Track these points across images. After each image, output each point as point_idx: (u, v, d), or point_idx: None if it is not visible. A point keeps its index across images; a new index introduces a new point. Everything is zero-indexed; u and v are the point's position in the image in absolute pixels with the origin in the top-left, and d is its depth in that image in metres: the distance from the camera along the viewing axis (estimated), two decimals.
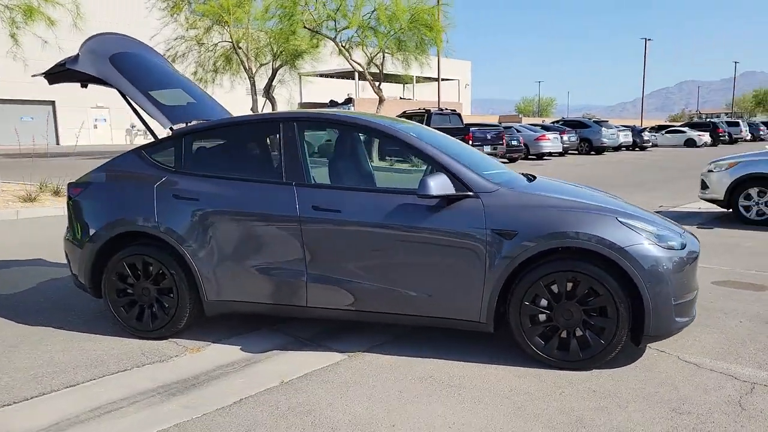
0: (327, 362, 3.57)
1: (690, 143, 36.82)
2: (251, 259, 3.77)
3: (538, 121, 42.06)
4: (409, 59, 22.98)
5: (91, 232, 4.05)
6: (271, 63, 24.27)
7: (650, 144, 33.97)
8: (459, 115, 20.96)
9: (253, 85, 24.00)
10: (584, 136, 27.65)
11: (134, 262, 3.97)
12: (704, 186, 8.96)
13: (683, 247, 3.40)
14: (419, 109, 21.52)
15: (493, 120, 49.56)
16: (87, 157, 21.49)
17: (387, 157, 6.29)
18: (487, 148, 19.31)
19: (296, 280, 3.72)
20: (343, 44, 22.49)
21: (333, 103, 32.00)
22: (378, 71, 23.77)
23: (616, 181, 14.82)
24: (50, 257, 6.45)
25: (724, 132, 39.65)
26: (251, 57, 23.85)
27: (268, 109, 25.27)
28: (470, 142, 18.58)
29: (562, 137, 25.16)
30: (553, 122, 31.32)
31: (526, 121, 41.87)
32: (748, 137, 43.49)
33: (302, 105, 34.77)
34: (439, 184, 3.37)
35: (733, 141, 40.63)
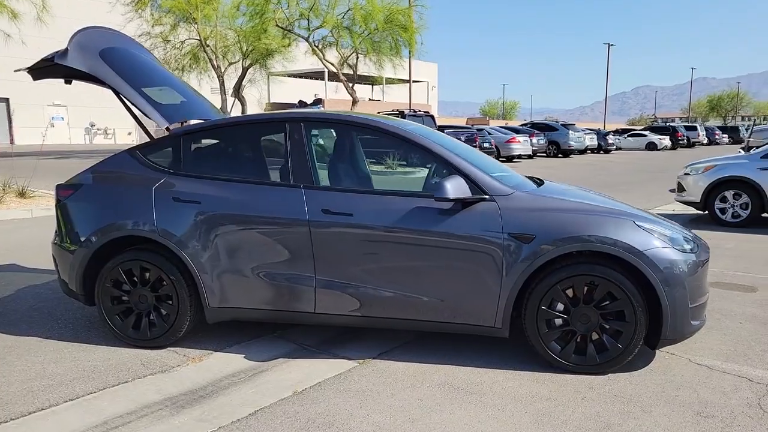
0: (338, 370, 3.47)
1: (651, 146, 37.91)
2: (257, 264, 3.64)
3: (502, 123, 42.61)
4: (383, 60, 22.91)
5: (84, 236, 3.84)
6: (241, 62, 23.84)
7: (614, 147, 34.81)
8: (432, 116, 21.00)
9: (222, 84, 23.53)
10: (552, 139, 28.11)
11: (131, 268, 3.78)
12: (681, 189, 9.18)
13: (696, 250, 3.43)
14: (392, 110, 21.48)
15: (461, 122, 49.94)
16: (48, 157, 20.67)
17: (384, 160, 6.21)
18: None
19: (304, 286, 3.60)
20: (316, 44, 22.27)
21: (302, 104, 31.64)
22: (351, 72, 23.62)
23: (589, 184, 15.09)
24: (24, 262, 6.13)
25: (683, 136, 40.95)
26: (219, 55, 23.39)
27: (237, 110, 24.83)
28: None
29: (531, 140, 25.52)
30: (521, 125, 31.76)
31: (491, 123, 42.36)
32: (705, 141, 45.08)
33: (270, 105, 34.29)
34: (456, 187, 3.31)
35: (691, 144, 42.01)
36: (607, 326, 3.31)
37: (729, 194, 8.53)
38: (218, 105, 24.38)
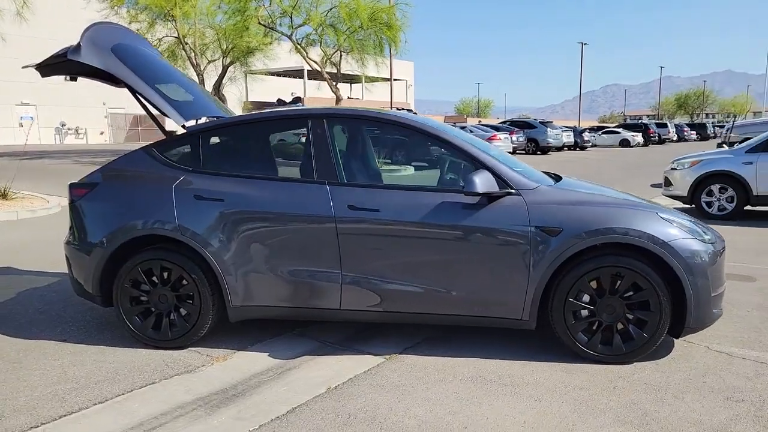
0: (366, 366, 3.47)
1: (624, 143, 38.66)
2: (282, 261, 3.61)
3: (475, 121, 42.89)
4: (365, 59, 22.87)
5: (101, 236, 3.76)
6: (221, 60, 23.53)
7: (590, 144, 35.40)
8: (415, 114, 21.04)
9: (201, 82, 23.20)
10: (531, 136, 28.46)
11: (151, 268, 3.72)
12: (668, 183, 9.40)
13: (714, 240, 3.52)
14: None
15: (439, 120, 50.12)
16: (23, 158, 20.10)
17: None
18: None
19: (330, 283, 3.59)
20: (299, 42, 22.11)
21: (281, 102, 31.43)
22: (335, 70, 23.50)
23: None
24: (20, 265, 5.97)
25: (655, 133, 41.90)
26: (198, 53, 23.07)
27: None
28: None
29: (511, 137, 25.80)
30: (501, 122, 32.08)
31: (468, 121, 42.63)
32: (675, 138, 46.17)
33: (250, 104, 33.95)
34: (485, 181, 3.35)
35: (662, 141, 42.99)
36: (632, 316, 3.38)
37: (715, 188, 8.76)
38: None
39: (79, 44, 3.84)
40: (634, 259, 3.32)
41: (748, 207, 8.67)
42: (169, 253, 3.71)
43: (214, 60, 24.02)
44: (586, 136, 35.06)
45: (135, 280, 3.74)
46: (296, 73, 37.29)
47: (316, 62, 22.47)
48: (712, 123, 66.21)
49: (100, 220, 3.82)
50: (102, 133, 40.39)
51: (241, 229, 3.63)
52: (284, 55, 24.82)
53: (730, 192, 8.65)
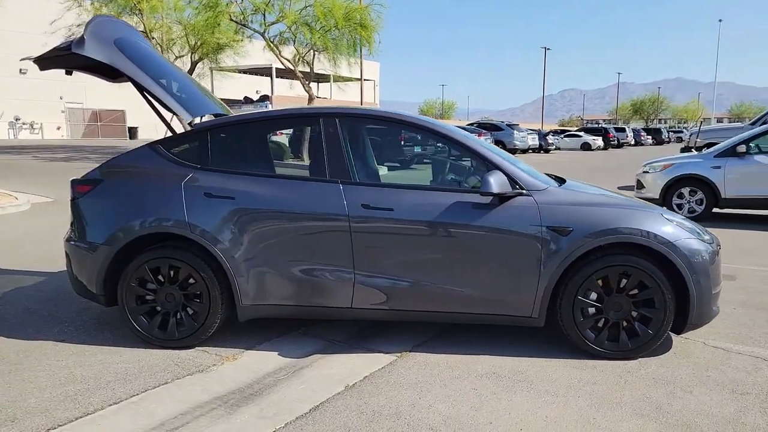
0: (379, 364, 3.50)
1: (586, 146, 39.71)
2: (293, 260, 3.61)
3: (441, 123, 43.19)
4: (338, 58, 22.82)
5: (107, 234, 3.67)
6: (189, 56, 23.08)
7: (554, 147, 36.22)
8: None
9: None
10: (498, 139, 28.91)
11: (158, 266, 3.66)
12: (640, 186, 9.73)
13: (711, 240, 3.69)
14: None
15: None
16: None
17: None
18: (417, 149, 19.64)
19: (342, 281, 3.60)
20: (272, 40, 21.87)
21: (247, 101, 31.03)
22: (308, 69, 23.33)
23: None
24: (0, 265, 5.75)
25: (614, 137, 43.15)
26: (165, 48, 22.57)
27: None
28: (402, 143, 18.78)
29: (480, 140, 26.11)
30: (468, 125, 32.46)
31: None
32: (632, 142, 47.70)
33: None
34: (499, 182, 3.42)
35: (620, 145, 44.32)
36: (639, 313, 3.51)
37: (685, 191, 9.12)
38: None
39: (83, 37, 3.75)
40: (640, 258, 3.45)
41: (716, 210, 9.05)
42: (178, 251, 3.65)
43: (182, 56, 23.54)
44: (550, 139, 35.86)
45: (142, 278, 3.67)
46: (266, 71, 36.85)
47: (289, 60, 22.30)
48: (666, 128, 68.66)
49: (105, 217, 3.73)
50: (59, 128, 39.01)
51: (251, 227, 3.60)
52: (255, 53, 24.52)
53: (700, 195, 9.01)
